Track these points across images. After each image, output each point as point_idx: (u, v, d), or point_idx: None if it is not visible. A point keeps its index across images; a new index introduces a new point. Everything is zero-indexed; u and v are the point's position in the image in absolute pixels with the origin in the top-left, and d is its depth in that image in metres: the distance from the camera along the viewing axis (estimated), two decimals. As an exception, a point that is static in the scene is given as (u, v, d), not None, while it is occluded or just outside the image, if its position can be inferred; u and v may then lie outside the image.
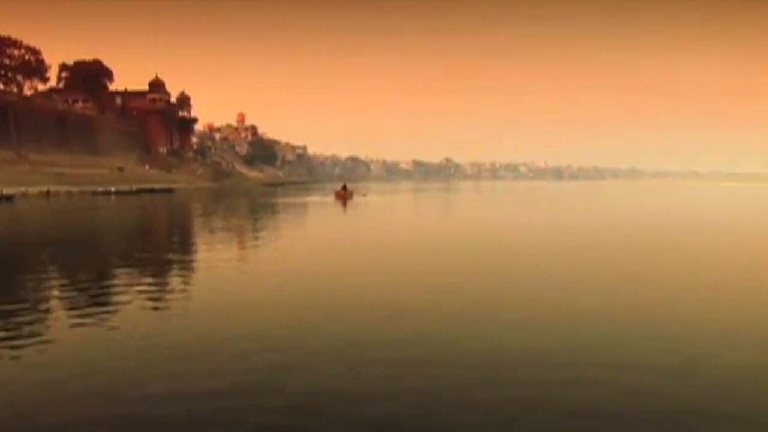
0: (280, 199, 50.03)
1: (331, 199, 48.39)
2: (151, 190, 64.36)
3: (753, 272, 13.67)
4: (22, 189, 52.43)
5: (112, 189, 59.95)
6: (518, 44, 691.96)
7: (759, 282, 12.44)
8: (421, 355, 6.88)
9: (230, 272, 12.85)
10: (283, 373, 6.27)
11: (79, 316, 8.67)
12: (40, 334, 7.75)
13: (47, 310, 9.27)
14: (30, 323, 8.33)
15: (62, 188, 59.65)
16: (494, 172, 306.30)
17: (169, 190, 68.18)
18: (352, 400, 5.56)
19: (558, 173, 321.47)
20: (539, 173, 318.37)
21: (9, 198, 44.43)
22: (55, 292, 10.81)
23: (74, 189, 60.71)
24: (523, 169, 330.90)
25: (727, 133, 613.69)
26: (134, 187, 63.51)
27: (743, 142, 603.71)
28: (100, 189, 60.45)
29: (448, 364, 6.60)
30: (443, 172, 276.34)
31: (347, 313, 9.03)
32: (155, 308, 9.37)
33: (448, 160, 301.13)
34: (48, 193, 54.50)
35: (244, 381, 6.00)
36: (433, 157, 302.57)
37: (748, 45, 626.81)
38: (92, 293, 10.56)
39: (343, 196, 48.72)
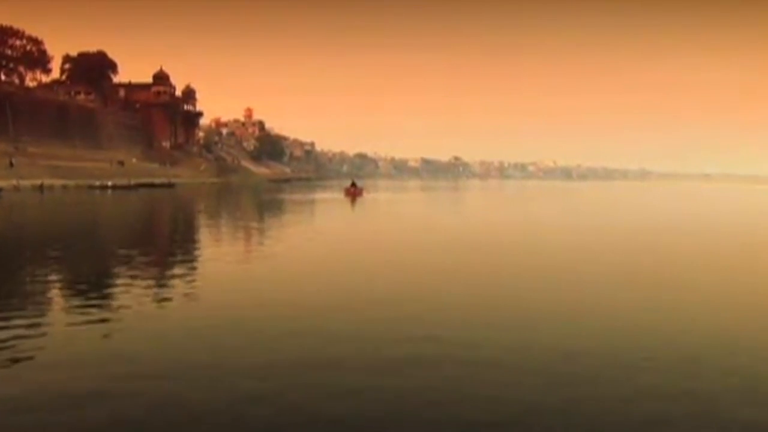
0: (287, 196, 48.06)
1: (340, 196, 46.98)
2: (151, 185, 61.66)
3: None
4: (13, 182, 49.73)
5: (109, 183, 57.25)
6: (527, 43, 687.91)
7: None
8: (442, 354, 6.68)
9: (234, 272, 12.02)
10: (294, 379, 5.80)
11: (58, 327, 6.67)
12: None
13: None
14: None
15: (58, 182, 56.87)
16: (502, 171, 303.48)
17: (170, 185, 65.51)
18: (364, 396, 5.34)
19: (567, 173, 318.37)
20: (548, 173, 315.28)
21: (-3, 192, 41.71)
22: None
23: (70, 183, 57.94)
24: (531, 168, 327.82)
25: (740, 135, 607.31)
26: (132, 182, 60.77)
27: (758, 144, 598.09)
28: (97, 183, 57.78)
29: (467, 363, 6.33)
30: (451, 171, 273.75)
31: (359, 309, 8.78)
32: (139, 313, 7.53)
33: (456, 158, 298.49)
34: (42, 186, 51.81)
35: (252, 379, 5.74)
36: (442, 156, 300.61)
37: (764, 43, 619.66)
38: (67, 301, 8.91)
39: (353, 194, 47.25)
